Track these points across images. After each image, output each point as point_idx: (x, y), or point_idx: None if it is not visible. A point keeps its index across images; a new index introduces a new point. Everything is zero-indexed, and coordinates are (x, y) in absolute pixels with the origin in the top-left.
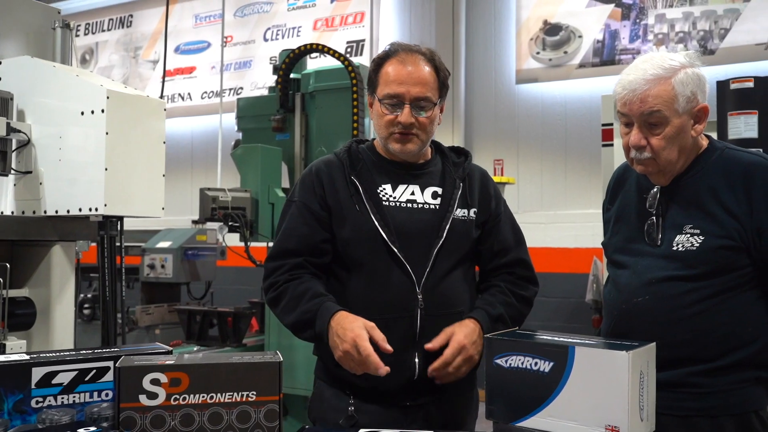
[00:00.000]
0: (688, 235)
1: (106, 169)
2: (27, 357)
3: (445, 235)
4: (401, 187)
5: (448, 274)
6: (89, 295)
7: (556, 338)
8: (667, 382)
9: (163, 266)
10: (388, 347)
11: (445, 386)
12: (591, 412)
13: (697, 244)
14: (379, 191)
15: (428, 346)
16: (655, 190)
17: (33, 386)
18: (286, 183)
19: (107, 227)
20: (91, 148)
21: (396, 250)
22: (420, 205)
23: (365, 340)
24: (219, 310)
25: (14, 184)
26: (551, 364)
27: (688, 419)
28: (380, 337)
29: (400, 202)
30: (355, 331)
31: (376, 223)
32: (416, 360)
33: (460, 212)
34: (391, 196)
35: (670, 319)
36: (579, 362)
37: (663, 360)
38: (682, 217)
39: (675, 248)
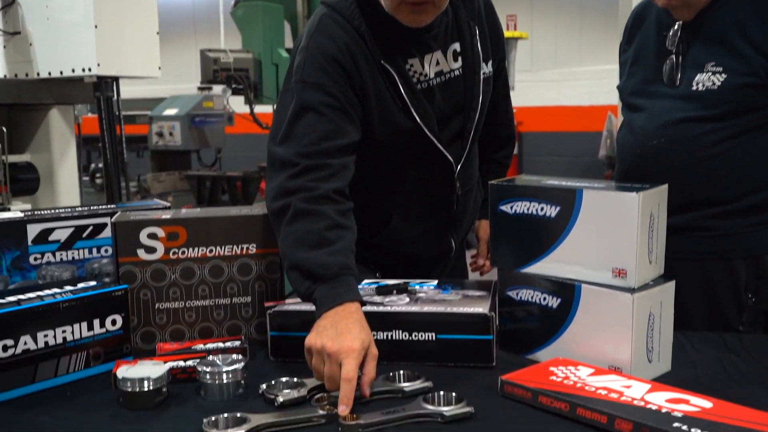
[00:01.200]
0: (710, 74)
1: (95, 27)
2: (21, 215)
3: (479, 108)
4: (427, 58)
5: (473, 148)
6: (100, 165)
7: (563, 183)
8: (680, 227)
9: (171, 134)
10: (367, 392)
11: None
12: (598, 256)
13: (719, 83)
14: (410, 73)
15: (480, 264)
16: (677, 27)
17: (30, 243)
18: (289, 43)
19: (102, 88)
20: (79, 6)
21: (440, 146)
22: (448, 75)
23: (355, 363)
24: (228, 174)
25: (3, 46)
26: (558, 208)
27: (700, 263)
28: (370, 376)
29: (431, 79)
30: (352, 346)
31: (418, 119)
32: (452, 239)
33: (483, 70)
34: (421, 74)
35: (686, 162)
36: (587, 206)
37: (676, 204)
38: (704, 54)
39: (695, 88)
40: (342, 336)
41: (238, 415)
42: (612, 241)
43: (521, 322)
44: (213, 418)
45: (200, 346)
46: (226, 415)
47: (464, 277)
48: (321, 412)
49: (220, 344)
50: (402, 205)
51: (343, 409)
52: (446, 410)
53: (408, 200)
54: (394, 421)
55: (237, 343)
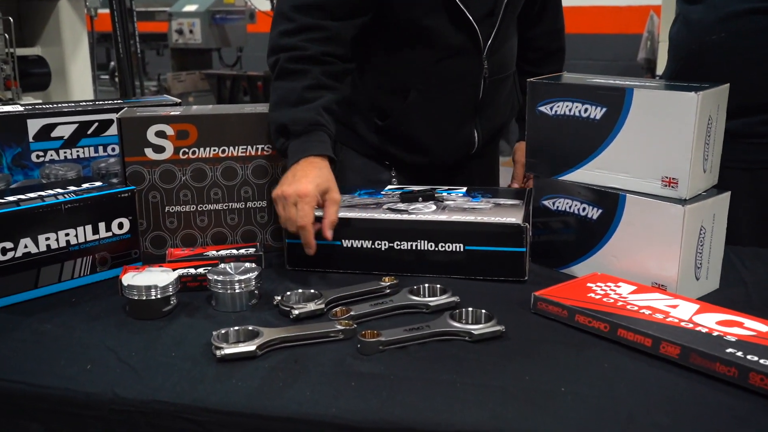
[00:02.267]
0: None
1: None
2: (21, 108)
3: None
4: None
5: (508, 30)
6: None
7: (610, 81)
8: (733, 132)
9: (191, 31)
10: (329, 234)
11: (491, 153)
12: (646, 164)
13: None
14: None
15: (513, 185)
16: None
17: (31, 139)
18: None
19: None
20: None
21: (465, 11)
22: None
23: (308, 207)
24: (249, 74)
25: None
26: (604, 110)
27: (752, 172)
28: (330, 219)
29: None
30: (306, 188)
31: None
32: (476, 133)
33: None
34: None
35: (748, 59)
36: (637, 107)
37: (732, 107)
38: None
39: None
40: (298, 181)
41: (250, 328)
42: (663, 146)
43: (557, 234)
44: (223, 331)
45: (212, 253)
46: (237, 328)
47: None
48: (339, 327)
49: (234, 251)
50: (422, 77)
51: (309, 251)
52: (475, 328)
53: (429, 72)
54: (417, 339)
55: (251, 250)
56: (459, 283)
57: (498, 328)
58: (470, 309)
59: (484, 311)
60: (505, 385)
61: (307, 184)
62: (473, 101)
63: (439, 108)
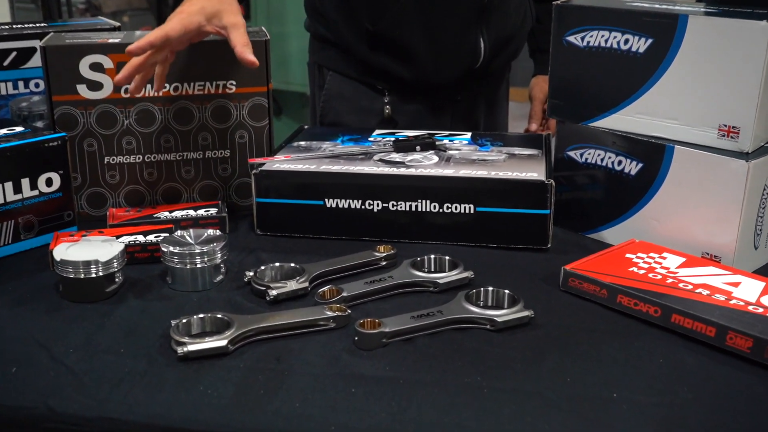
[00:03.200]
0: None
1: None
2: None
3: None
4: None
5: None
6: None
7: (657, 5)
8: None
9: None
10: (250, 57)
11: (498, 74)
12: (700, 108)
13: None
14: None
15: (533, 129)
16: None
17: None
18: None
19: None
20: None
21: None
22: None
23: (177, 27)
24: None
25: None
26: (650, 41)
27: None
28: (242, 40)
29: None
30: (191, 10)
31: None
32: (481, 41)
33: None
34: None
35: None
36: (692, 38)
37: None
38: None
39: None
40: (174, 15)
41: (219, 316)
42: (723, 87)
43: (584, 192)
44: (184, 320)
45: (164, 215)
46: (201, 315)
47: (502, 128)
48: (329, 313)
49: (191, 212)
50: None
51: (118, 79)
52: (498, 315)
53: None
54: (428, 328)
55: (212, 211)
56: (468, 252)
57: (525, 313)
58: (490, 289)
59: (507, 292)
60: (543, 390)
61: (190, 7)
62: (478, 3)
63: (438, 9)
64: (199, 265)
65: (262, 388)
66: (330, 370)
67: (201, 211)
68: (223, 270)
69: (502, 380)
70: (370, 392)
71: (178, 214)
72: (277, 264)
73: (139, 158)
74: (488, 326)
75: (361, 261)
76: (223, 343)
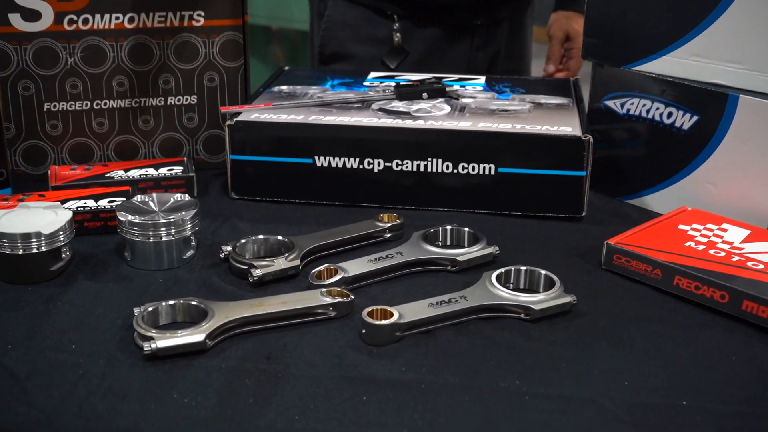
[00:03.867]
0: None
1: None
2: None
3: None
4: None
5: None
6: None
7: None
8: None
9: None
10: None
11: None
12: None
13: None
14: None
15: (550, 71)
16: None
17: None
18: None
19: None
20: None
21: None
22: None
23: None
24: None
25: None
26: None
27: None
28: None
29: None
30: None
31: None
32: None
33: None
34: None
35: None
36: None
37: None
38: None
39: None
40: None
41: (194, 303)
42: None
43: (624, 149)
44: (150, 309)
45: (119, 174)
46: (172, 302)
47: (525, 70)
48: (328, 298)
49: (150, 171)
50: None
51: None
52: (534, 301)
53: None
54: (450, 318)
55: (177, 170)
56: (488, 222)
57: (567, 299)
58: (522, 269)
59: (543, 272)
60: (596, 397)
61: None
62: None
63: None
64: (165, 238)
65: (251, 396)
66: (333, 372)
67: (163, 170)
68: (194, 244)
69: (545, 384)
70: (384, 400)
71: (135, 173)
72: (260, 236)
73: (86, 105)
74: (522, 315)
75: (362, 233)
76: (200, 337)
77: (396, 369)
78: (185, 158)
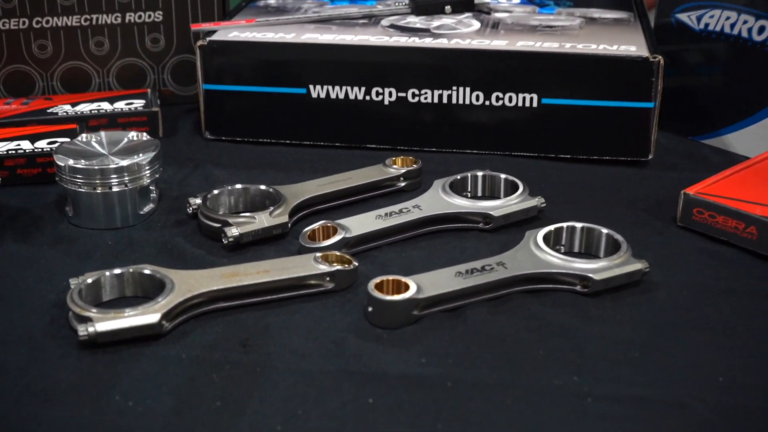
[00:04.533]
0: None
1: None
2: None
3: None
4: None
5: None
6: None
7: None
8: None
9: None
10: None
11: None
12: None
13: None
14: None
15: None
16: None
17: None
18: None
19: None
20: None
21: None
22: None
23: None
24: None
25: None
26: None
27: None
28: None
29: None
30: None
31: None
32: None
33: None
34: None
35: None
36: None
37: None
38: None
39: None
40: None
41: (147, 271)
42: None
43: (702, 77)
44: (90, 281)
45: (65, 110)
46: (118, 271)
47: None
48: (324, 265)
49: (105, 105)
50: None
51: None
52: (594, 268)
53: None
54: (486, 291)
55: (137, 104)
56: (529, 167)
57: (637, 265)
58: (577, 226)
59: (605, 231)
60: (683, 398)
61: None
62: None
63: None
64: (116, 189)
65: (220, 398)
66: (330, 364)
67: (120, 105)
68: (154, 196)
69: (613, 382)
70: (397, 404)
71: (84, 108)
72: (238, 186)
73: (23, 23)
74: (578, 287)
75: (369, 181)
76: (154, 318)
77: (413, 361)
78: (149, 90)
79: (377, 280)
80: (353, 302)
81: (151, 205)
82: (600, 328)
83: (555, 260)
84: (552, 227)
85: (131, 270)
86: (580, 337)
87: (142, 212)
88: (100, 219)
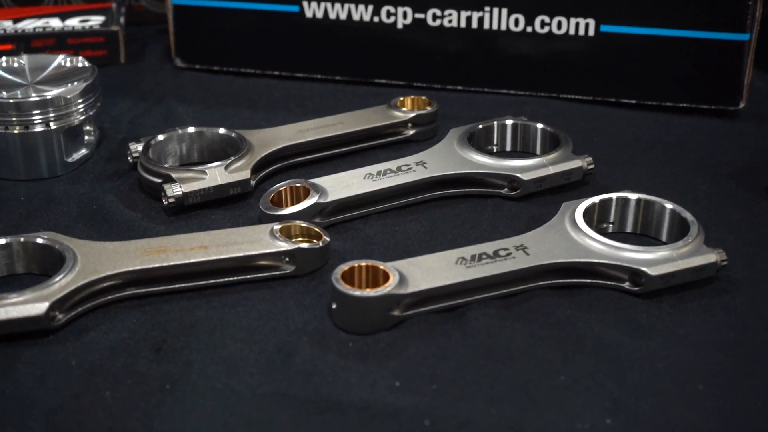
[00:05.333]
0: None
1: None
2: None
3: None
4: None
5: None
6: None
7: None
8: None
9: None
10: None
11: None
12: None
13: None
14: None
15: None
16: None
17: None
18: None
19: None
20: None
21: None
22: None
23: None
24: None
25: None
26: None
27: None
28: None
29: None
30: None
31: None
32: None
33: None
34: None
35: None
36: None
37: None
38: None
39: None
40: None
41: (41, 242)
42: None
43: None
44: None
45: (4, 27)
46: (4, 241)
47: None
48: (280, 242)
49: (53, 22)
50: None
51: None
52: (654, 260)
53: None
54: (501, 285)
55: (95, 22)
56: (579, 113)
57: (710, 257)
58: (631, 198)
59: (669, 207)
60: None
61: None
62: None
63: None
64: (37, 128)
65: (108, 429)
66: (268, 385)
67: (73, 22)
68: (90, 138)
69: (667, 429)
70: None
71: (27, 25)
72: (190, 130)
73: None
74: (627, 284)
75: (365, 128)
76: (41, 307)
77: (383, 383)
78: (113, 4)
79: (345, 266)
80: (317, 293)
81: (84, 151)
82: (652, 345)
83: (596, 245)
84: (596, 198)
85: (21, 239)
86: (623, 359)
87: (71, 160)
88: (16, 167)
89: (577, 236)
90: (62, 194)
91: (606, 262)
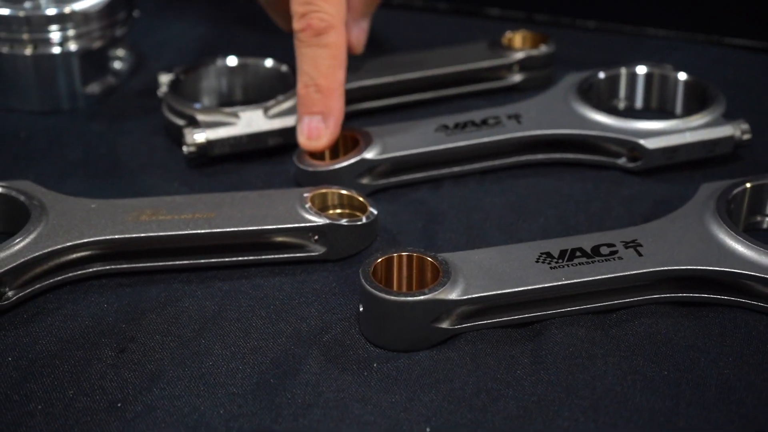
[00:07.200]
0: None
1: None
2: None
3: None
4: None
5: None
6: None
7: None
8: None
9: None
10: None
11: None
12: None
13: None
14: None
15: None
16: None
17: None
18: None
19: None
20: None
21: None
22: None
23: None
24: None
25: None
26: None
27: None
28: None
29: None
30: None
31: None
32: None
33: None
34: None
35: None
36: None
37: None
38: None
39: None
40: None
41: (4, 191)
42: None
43: None
44: None
45: None
46: None
47: None
48: (309, 215)
49: None
50: None
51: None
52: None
53: None
54: (600, 295)
55: None
56: (742, 66)
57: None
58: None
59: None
60: None
61: None
62: None
63: None
64: (54, 49)
65: None
66: (257, 418)
67: None
68: (119, 67)
69: None
70: None
71: None
72: (232, 61)
73: None
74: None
75: (454, 71)
76: None
77: (408, 427)
78: None
79: (382, 255)
80: (350, 288)
81: (110, 81)
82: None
83: (745, 251)
84: (749, 182)
85: None
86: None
87: (88, 92)
88: (27, 95)
89: (719, 233)
90: (71, 132)
91: (761, 275)
